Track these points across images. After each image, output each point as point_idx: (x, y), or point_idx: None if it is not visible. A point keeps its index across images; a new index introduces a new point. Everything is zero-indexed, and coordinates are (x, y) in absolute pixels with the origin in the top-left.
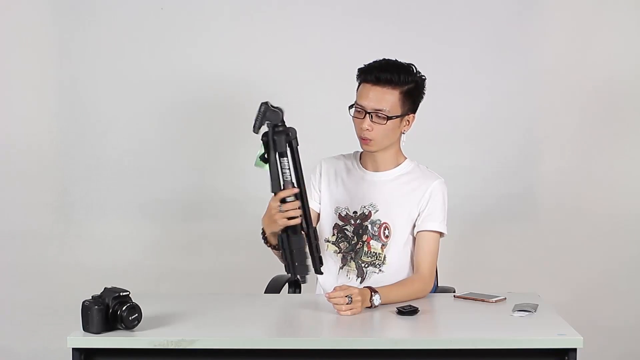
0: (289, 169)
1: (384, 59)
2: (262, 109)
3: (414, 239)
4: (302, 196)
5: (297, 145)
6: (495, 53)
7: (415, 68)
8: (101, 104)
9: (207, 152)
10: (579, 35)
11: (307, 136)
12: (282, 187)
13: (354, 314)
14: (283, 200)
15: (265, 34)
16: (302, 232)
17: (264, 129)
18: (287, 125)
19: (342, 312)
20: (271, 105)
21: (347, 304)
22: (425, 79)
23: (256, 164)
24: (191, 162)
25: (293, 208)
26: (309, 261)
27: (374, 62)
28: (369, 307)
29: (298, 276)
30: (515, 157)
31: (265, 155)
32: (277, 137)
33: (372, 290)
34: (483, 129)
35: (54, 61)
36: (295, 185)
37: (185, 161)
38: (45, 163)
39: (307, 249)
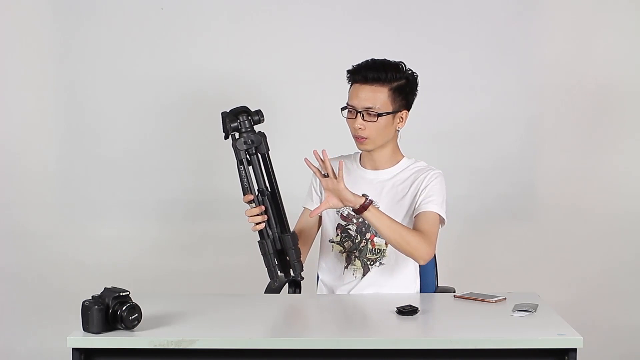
0: (246, 176)
1: (372, 59)
2: (223, 116)
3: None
4: (274, 202)
5: (267, 150)
6: (495, 53)
7: (405, 66)
8: (101, 104)
9: (207, 152)
10: (579, 35)
11: (306, 136)
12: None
13: (334, 191)
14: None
15: (265, 34)
16: (268, 238)
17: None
18: (257, 131)
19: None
20: (243, 111)
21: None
22: (416, 75)
23: None
24: (191, 162)
25: (250, 215)
26: (275, 268)
27: (362, 62)
28: (356, 210)
29: (294, 275)
30: (515, 157)
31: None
32: (234, 146)
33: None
34: (483, 129)
35: (54, 61)
36: (267, 189)
37: (185, 161)
38: (45, 163)
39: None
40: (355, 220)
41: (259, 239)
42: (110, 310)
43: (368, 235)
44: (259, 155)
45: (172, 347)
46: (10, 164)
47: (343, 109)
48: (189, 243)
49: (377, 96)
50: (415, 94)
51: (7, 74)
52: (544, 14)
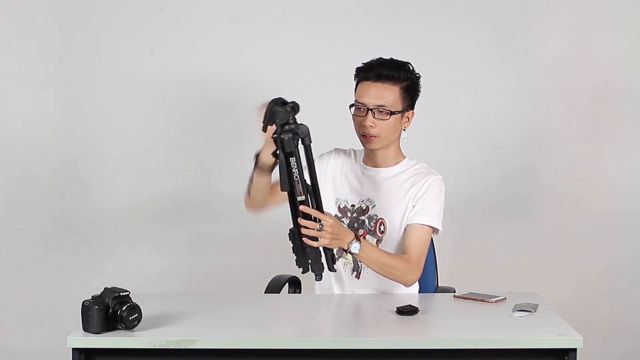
0: (299, 168)
1: (381, 57)
2: (269, 107)
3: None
4: (314, 194)
5: (310, 142)
6: (495, 53)
7: (412, 66)
8: (101, 104)
9: (207, 152)
10: (579, 35)
11: None
12: (291, 186)
13: (321, 245)
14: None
15: (266, 34)
16: None
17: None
18: (299, 123)
19: (305, 239)
20: (281, 102)
21: (317, 229)
22: (420, 76)
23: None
24: (191, 162)
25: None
26: (323, 258)
27: (372, 60)
28: (345, 250)
29: (314, 273)
30: (515, 157)
31: (277, 152)
32: (284, 136)
33: (357, 238)
34: (483, 129)
35: (54, 61)
36: (308, 182)
37: (185, 161)
38: (45, 163)
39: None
40: (349, 215)
41: (293, 228)
42: (110, 310)
43: (361, 232)
44: (306, 147)
45: (172, 347)
46: (10, 164)
47: (351, 106)
48: (189, 243)
49: (389, 94)
50: (419, 95)
51: (7, 73)
52: (544, 14)
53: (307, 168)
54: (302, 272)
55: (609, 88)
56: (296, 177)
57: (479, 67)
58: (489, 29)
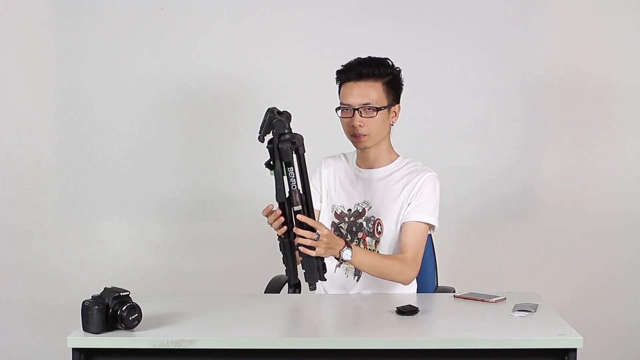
0: (296, 177)
1: (358, 57)
2: (267, 118)
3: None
4: (307, 203)
5: (304, 152)
6: (495, 53)
7: (391, 61)
8: (101, 104)
9: (207, 153)
10: (579, 36)
11: (305, 136)
12: (287, 196)
13: (317, 255)
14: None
15: (266, 33)
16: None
17: (270, 135)
18: (294, 132)
19: (301, 249)
20: (277, 112)
21: (314, 239)
22: (400, 70)
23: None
24: (191, 162)
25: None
26: (316, 269)
27: (351, 61)
28: (337, 259)
29: (308, 283)
30: (515, 157)
31: (271, 162)
32: (282, 145)
33: (348, 245)
34: (483, 129)
35: (54, 61)
36: (302, 192)
37: (185, 161)
38: (45, 163)
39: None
40: (347, 219)
41: (284, 238)
42: (110, 310)
43: (360, 235)
44: (300, 156)
45: (172, 347)
46: (10, 164)
47: (338, 109)
48: (189, 243)
49: (373, 91)
50: (402, 88)
51: (7, 73)
52: (544, 14)
53: (300, 177)
54: (291, 283)
55: (609, 88)
56: (294, 187)
57: (479, 67)
58: (489, 29)
